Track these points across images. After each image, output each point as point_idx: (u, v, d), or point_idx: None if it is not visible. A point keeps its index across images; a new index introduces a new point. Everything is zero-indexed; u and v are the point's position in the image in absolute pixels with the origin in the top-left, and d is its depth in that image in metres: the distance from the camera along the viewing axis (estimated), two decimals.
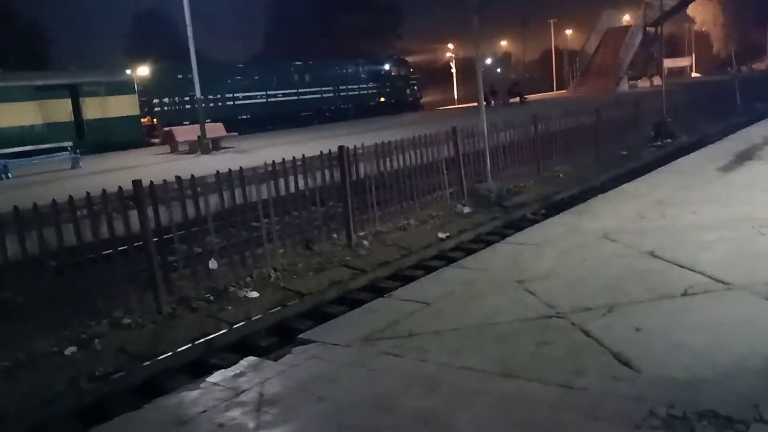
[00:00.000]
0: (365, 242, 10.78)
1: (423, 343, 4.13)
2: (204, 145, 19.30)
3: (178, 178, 8.94)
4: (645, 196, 8.32)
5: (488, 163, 13.53)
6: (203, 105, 29.05)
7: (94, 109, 23.66)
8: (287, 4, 62.46)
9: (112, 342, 7.56)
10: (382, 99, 39.27)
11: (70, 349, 7.34)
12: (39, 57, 41.06)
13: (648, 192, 8.63)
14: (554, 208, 12.49)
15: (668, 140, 20.49)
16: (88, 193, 8.12)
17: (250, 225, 9.77)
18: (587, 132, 17.90)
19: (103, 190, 8.22)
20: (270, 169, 9.94)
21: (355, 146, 11.16)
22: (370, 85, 39.00)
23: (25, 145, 18.90)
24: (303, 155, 10.37)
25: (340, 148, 10.67)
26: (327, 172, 10.71)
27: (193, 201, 9.06)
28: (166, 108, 28.38)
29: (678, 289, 4.72)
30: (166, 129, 22.30)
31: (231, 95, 31.47)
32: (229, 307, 8.42)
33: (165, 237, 8.67)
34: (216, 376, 3.94)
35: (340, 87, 36.97)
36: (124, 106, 24.54)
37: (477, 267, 5.79)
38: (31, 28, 44.20)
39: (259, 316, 7.77)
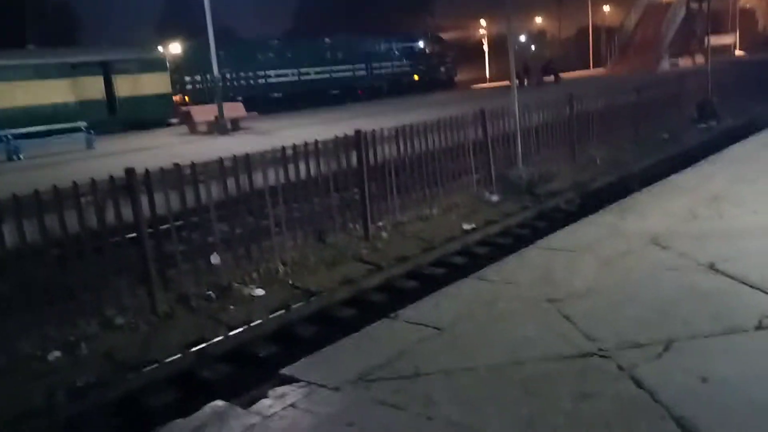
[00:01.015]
0: (383, 233, 9.98)
1: (431, 389, 3.30)
2: (221, 126, 18.57)
3: (176, 164, 8.19)
4: (696, 190, 7.35)
5: (519, 146, 12.55)
6: (234, 83, 28.52)
7: (125, 86, 23.15)
8: None
9: (100, 345, 6.92)
10: (416, 77, 38.18)
11: (54, 354, 6.71)
12: (67, 34, 40.68)
13: (699, 185, 7.64)
14: (591, 197, 11.53)
15: (713, 122, 19.21)
16: (86, 180, 7.42)
17: (258, 214, 9.01)
18: (626, 113, 16.72)
19: (92, 179, 7.50)
20: (279, 154, 9.13)
21: (374, 130, 10.27)
22: (404, 62, 37.89)
23: (59, 123, 18.23)
24: (316, 140, 9.52)
25: (357, 131, 9.83)
26: (343, 157, 9.86)
27: (193, 189, 8.32)
28: (197, 86, 27.64)
29: (751, 317, 3.82)
30: (184, 109, 21.59)
31: (263, 73, 30.56)
32: (231, 307, 7.72)
33: (162, 228, 7.95)
34: (172, 430, 3.17)
35: (373, 64, 35.87)
36: (155, 83, 23.99)
37: (501, 279, 4.91)
38: (59, 5, 43.90)
39: (259, 321, 7.02)
